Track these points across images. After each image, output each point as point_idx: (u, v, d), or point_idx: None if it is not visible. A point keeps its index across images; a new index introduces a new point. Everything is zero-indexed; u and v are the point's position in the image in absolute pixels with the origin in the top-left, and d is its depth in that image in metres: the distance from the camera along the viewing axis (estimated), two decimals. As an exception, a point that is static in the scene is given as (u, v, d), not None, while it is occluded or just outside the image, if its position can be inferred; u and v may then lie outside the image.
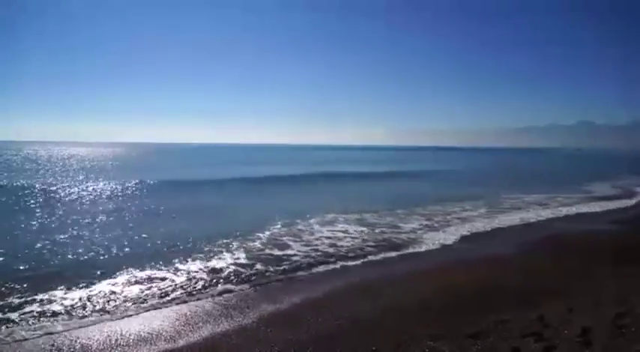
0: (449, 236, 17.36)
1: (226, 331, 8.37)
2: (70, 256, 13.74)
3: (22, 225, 18.46)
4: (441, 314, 8.82)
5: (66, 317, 9.12)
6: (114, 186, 34.74)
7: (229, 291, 10.85)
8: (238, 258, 13.73)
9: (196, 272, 12.32)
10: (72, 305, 9.72)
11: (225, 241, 15.72)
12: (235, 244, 15.40)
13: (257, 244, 15.60)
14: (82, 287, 10.83)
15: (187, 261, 13.30)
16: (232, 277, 11.95)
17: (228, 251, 14.51)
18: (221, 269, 12.54)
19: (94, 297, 10.26)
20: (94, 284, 11.10)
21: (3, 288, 10.56)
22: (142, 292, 10.68)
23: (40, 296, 10.11)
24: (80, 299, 10.12)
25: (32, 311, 9.34)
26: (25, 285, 10.83)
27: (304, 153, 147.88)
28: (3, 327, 8.52)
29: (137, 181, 37.65)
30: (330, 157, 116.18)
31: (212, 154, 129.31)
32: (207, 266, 12.80)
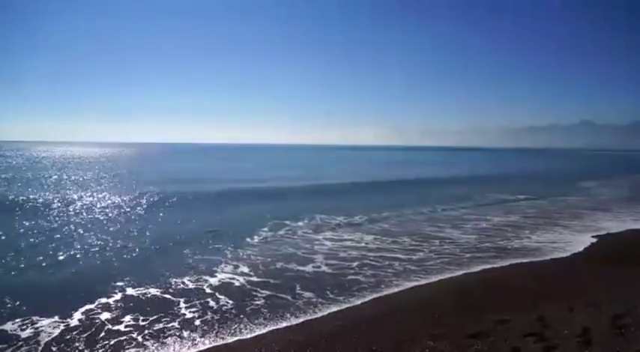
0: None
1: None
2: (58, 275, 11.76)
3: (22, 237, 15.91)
4: (442, 314, 8.83)
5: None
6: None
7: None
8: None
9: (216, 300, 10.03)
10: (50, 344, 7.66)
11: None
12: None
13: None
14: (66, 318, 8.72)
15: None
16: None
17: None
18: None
19: (80, 332, 8.20)
20: (74, 313, 9.06)
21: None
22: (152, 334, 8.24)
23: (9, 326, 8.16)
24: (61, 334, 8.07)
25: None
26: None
27: (303, 154, 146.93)
28: None
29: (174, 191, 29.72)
30: (330, 159, 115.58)
31: (237, 156, 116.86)
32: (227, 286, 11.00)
